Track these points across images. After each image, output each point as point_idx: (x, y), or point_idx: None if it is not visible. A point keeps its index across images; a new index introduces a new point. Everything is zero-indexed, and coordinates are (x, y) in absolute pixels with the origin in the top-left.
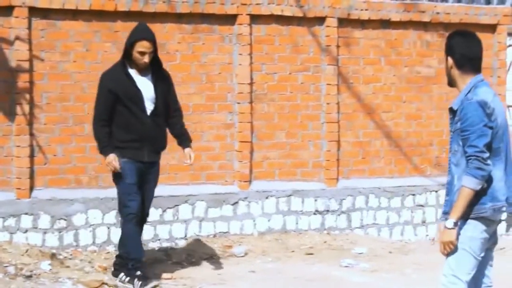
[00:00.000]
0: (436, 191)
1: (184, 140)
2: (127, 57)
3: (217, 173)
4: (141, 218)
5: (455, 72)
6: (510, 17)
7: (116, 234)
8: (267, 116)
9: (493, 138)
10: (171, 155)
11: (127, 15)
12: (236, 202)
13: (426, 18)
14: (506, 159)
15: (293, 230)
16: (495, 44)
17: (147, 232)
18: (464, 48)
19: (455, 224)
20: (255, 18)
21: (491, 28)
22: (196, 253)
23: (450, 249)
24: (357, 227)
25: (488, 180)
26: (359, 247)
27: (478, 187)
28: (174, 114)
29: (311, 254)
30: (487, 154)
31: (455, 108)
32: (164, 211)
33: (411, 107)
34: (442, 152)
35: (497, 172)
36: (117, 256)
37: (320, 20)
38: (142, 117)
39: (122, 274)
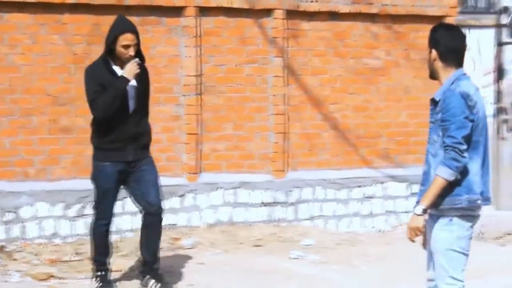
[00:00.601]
0: (384, 183)
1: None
2: (109, 54)
3: (165, 165)
4: (150, 212)
5: (439, 64)
6: (457, 9)
7: (63, 226)
8: (214, 108)
9: (473, 131)
10: None
11: (74, 7)
12: (184, 194)
13: (374, 10)
14: (484, 154)
15: (241, 222)
16: None
17: None
18: (450, 41)
19: (424, 211)
20: (203, 10)
21: (438, 19)
22: None
23: (417, 235)
24: (304, 219)
25: (465, 172)
26: (308, 239)
27: (452, 178)
28: None
29: (260, 246)
30: (465, 147)
31: (437, 99)
32: None
33: (359, 98)
34: (390, 144)
35: (474, 166)
36: None
37: (268, 12)
38: (125, 114)
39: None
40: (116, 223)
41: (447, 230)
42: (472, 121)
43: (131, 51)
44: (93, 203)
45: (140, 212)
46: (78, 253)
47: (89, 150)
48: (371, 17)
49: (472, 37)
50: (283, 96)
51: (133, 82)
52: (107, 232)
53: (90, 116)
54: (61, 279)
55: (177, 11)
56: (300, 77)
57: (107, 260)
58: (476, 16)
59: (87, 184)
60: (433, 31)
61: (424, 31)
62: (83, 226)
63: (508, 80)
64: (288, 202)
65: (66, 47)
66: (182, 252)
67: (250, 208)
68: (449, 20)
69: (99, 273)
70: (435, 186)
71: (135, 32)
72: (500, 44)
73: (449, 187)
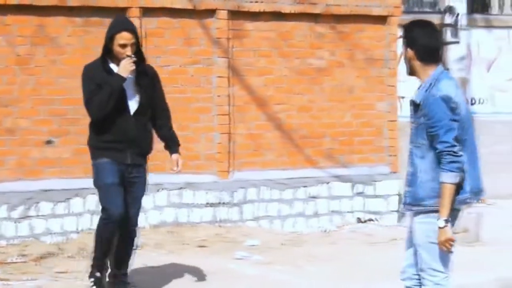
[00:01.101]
0: (328, 183)
1: (172, 144)
2: (108, 53)
3: None
4: (125, 228)
5: (416, 63)
6: (401, 8)
7: (8, 228)
8: None
9: (459, 130)
10: (65, 148)
11: (17, 9)
12: None
13: (317, 10)
14: (471, 150)
15: (186, 222)
16: (387, 36)
17: (39, 226)
18: (426, 40)
19: (446, 221)
20: (146, 11)
21: (382, 19)
22: (89, 247)
23: (451, 246)
24: (249, 219)
25: None
26: (252, 239)
27: (458, 180)
28: (161, 115)
29: (205, 246)
30: (458, 147)
31: (417, 101)
32: (55, 204)
33: (303, 99)
34: (334, 144)
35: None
36: None
37: (211, 12)
38: (125, 116)
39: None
40: (61, 224)
41: (426, 223)
42: (456, 121)
43: (128, 51)
44: (100, 205)
45: None
46: (23, 255)
47: (33, 152)
48: (315, 17)
49: None
50: (227, 97)
51: (132, 83)
52: (115, 230)
53: (35, 118)
54: (5, 280)
55: (120, 12)
56: (244, 78)
57: (106, 260)
58: (420, 15)
59: (32, 186)
60: (407, 30)
61: (368, 31)
62: (28, 228)
63: None
64: (232, 202)
65: (9, 48)
66: None
67: (195, 209)
68: (393, 20)
69: (98, 274)
70: (447, 193)
71: (133, 31)
72: (444, 44)
73: (438, 190)
